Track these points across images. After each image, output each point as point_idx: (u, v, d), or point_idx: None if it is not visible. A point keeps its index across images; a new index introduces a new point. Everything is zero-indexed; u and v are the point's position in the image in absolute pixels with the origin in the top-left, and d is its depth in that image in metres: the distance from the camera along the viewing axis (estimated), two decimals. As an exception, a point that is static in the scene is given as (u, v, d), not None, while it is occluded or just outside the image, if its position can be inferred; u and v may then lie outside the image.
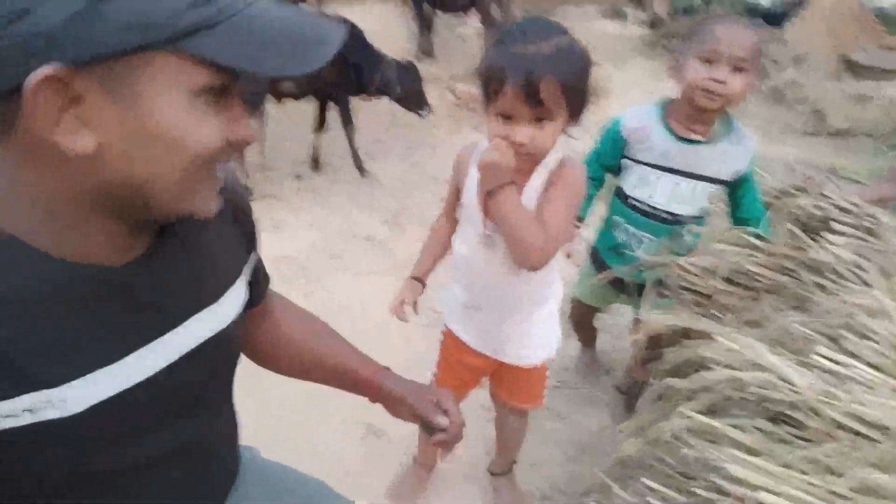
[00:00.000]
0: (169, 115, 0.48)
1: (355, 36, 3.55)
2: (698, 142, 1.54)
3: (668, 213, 1.59)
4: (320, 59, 0.49)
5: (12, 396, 0.51)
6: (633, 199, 1.62)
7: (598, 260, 1.82)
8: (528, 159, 1.05)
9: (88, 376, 0.56)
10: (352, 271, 2.96)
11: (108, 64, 0.45)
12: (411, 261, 1.45)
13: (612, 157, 1.64)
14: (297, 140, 4.08)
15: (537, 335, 1.32)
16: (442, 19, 7.90)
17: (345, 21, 3.55)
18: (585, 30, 8.96)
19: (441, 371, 1.44)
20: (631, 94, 5.09)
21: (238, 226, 0.76)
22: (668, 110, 1.57)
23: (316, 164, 3.93)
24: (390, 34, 7.15)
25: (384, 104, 4.06)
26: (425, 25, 6.91)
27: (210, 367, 0.71)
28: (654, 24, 8.12)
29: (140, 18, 0.44)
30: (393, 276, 2.77)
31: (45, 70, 0.43)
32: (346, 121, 3.77)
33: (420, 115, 4.02)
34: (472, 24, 8.21)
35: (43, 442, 0.54)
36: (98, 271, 0.56)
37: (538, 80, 0.92)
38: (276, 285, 0.91)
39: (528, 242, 1.02)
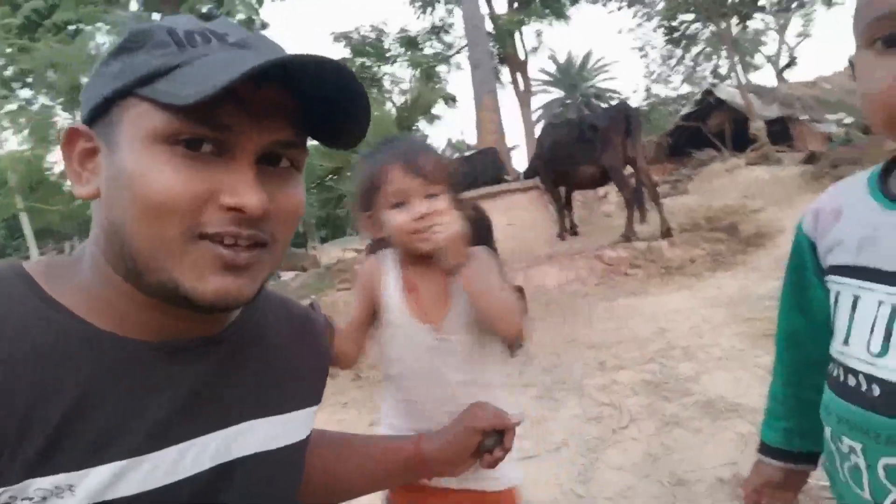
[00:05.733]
0: (131, 159, 0.48)
1: (483, 223, 3.66)
2: None
3: None
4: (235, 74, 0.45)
5: (32, 476, 0.43)
6: (842, 365, 0.70)
7: None
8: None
9: (114, 464, 0.46)
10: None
11: (106, 117, 0.50)
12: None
13: (804, 293, 0.82)
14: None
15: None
16: (584, 199, 8.15)
17: (477, 208, 3.72)
18: (734, 179, 8.63)
19: None
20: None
21: (319, 363, 0.70)
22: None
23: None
24: (537, 220, 7.45)
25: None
26: (562, 207, 7.23)
27: (264, 490, 0.58)
28: (810, 160, 7.86)
29: (122, 69, 0.50)
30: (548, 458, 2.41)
31: (71, 125, 0.51)
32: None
33: None
34: (611, 200, 8.33)
35: None
36: (142, 344, 0.51)
37: (416, 156, 1.04)
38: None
39: (511, 305, 0.99)
